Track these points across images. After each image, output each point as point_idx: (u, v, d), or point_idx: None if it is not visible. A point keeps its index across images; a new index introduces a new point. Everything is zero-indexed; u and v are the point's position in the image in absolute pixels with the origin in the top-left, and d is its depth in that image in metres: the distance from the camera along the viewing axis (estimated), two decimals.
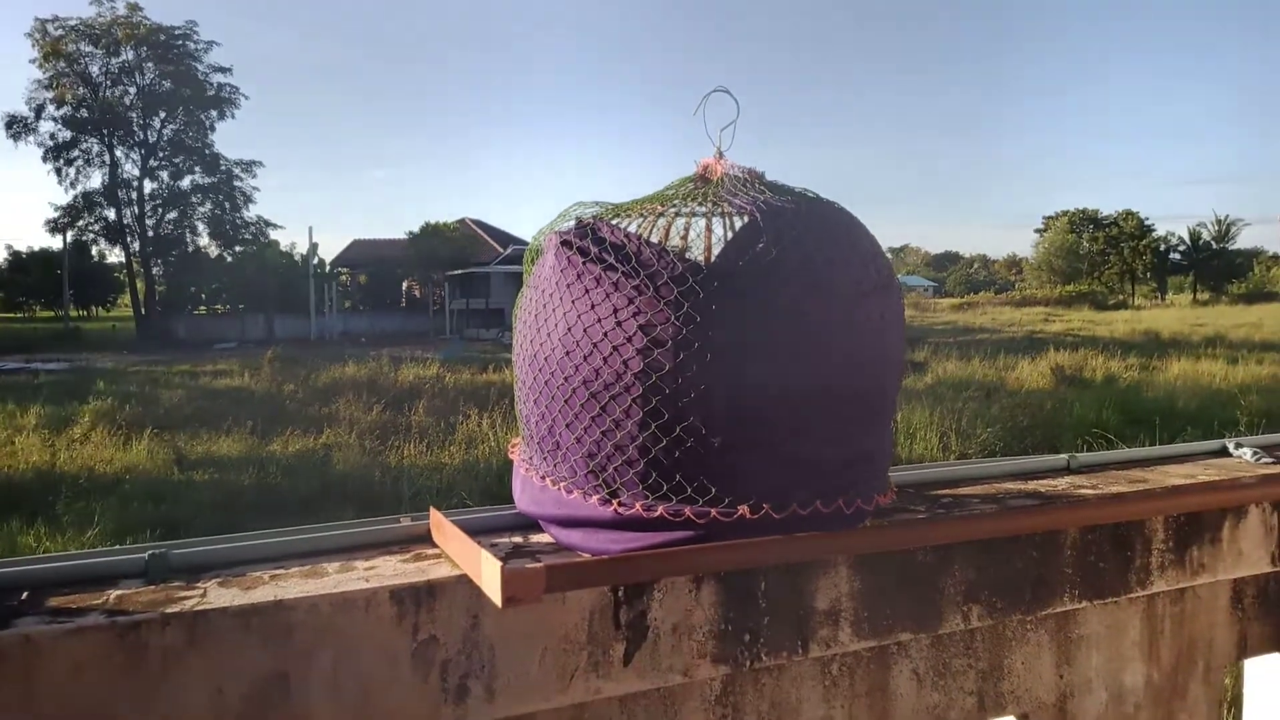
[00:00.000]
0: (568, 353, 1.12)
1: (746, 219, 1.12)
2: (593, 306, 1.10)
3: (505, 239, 42.18)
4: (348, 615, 1.04)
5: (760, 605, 1.25)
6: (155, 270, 38.22)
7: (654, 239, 1.18)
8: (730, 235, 1.17)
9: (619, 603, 1.17)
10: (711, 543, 1.01)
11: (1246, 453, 1.73)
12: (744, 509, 1.06)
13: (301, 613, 1.01)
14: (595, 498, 1.12)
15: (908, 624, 1.35)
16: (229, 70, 37.87)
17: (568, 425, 1.14)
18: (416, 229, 38.20)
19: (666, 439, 1.07)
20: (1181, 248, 70.82)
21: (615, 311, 1.09)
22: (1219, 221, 69.92)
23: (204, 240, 39.07)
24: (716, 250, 1.16)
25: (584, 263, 1.12)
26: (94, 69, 36.33)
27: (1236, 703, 1.86)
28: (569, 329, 1.12)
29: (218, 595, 1.03)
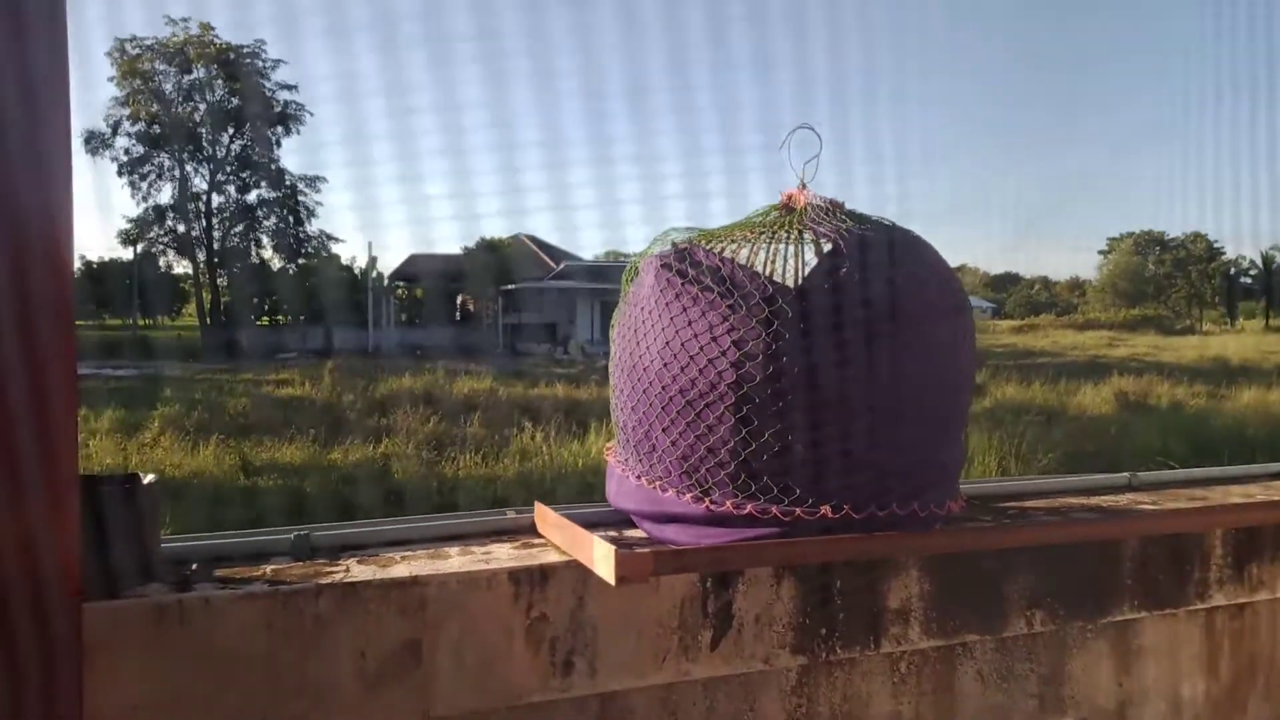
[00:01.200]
0: (665, 364, 1.24)
1: (831, 245, 1.23)
2: (690, 323, 1.23)
3: (559, 255, 42.71)
4: (473, 592, 1.17)
5: (836, 601, 1.35)
6: (220, 281, 39.49)
7: (744, 262, 1.30)
8: (815, 260, 1.29)
9: (707, 593, 1.29)
10: (797, 538, 1.12)
11: None
12: (826, 509, 1.16)
13: (434, 588, 1.15)
14: (689, 496, 1.24)
15: (974, 626, 1.43)
16: (295, 88, 39.10)
17: (664, 430, 1.26)
18: (473, 244, 38.96)
19: (756, 443, 1.18)
20: (1254, 271, 68.65)
21: (711, 328, 1.21)
22: None
23: (268, 253, 40.31)
24: (803, 274, 1.27)
25: (682, 284, 1.25)
26: (167, 87, 37.78)
27: None
28: (667, 343, 1.24)
29: (360, 571, 1.17)
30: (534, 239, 44.39)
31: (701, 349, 1.20)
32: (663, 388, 1.24)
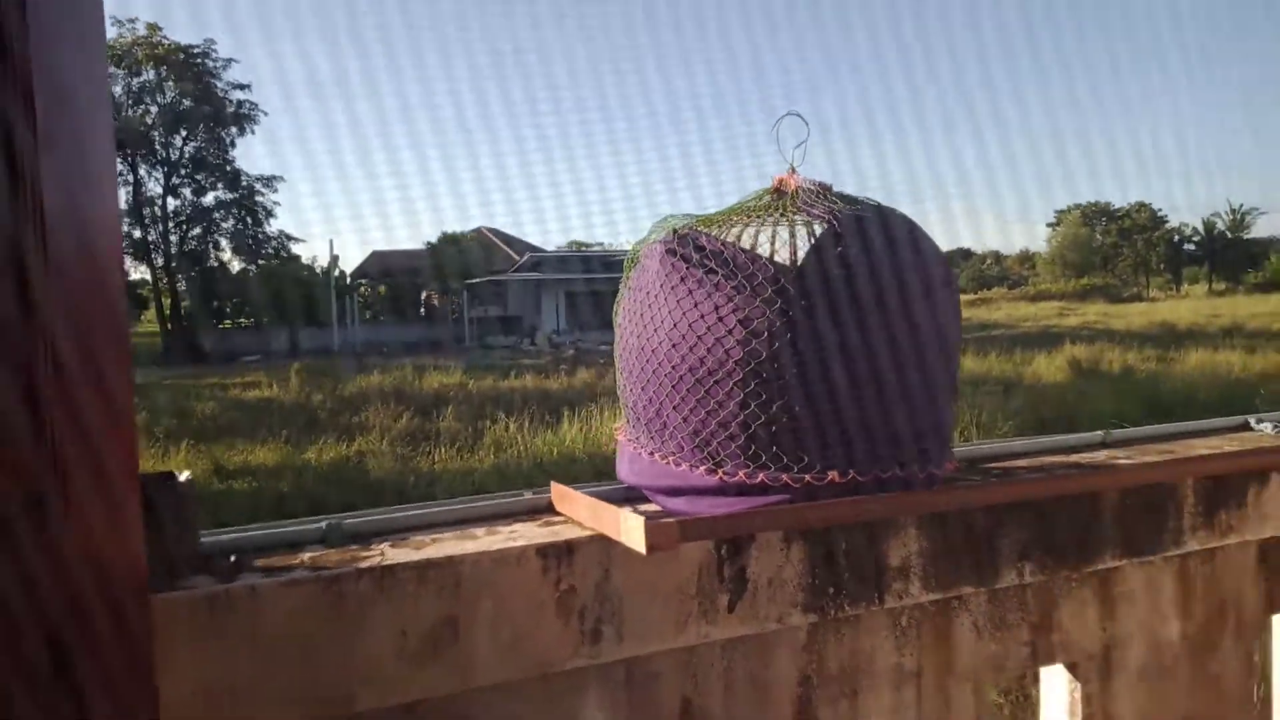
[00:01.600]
0: (674, 345, 1.31)
1: (826, 226, 1.30)
2: (696, 305, 1.29)
3: (523, 247, 42.58)
4: (504, 569, 1.23)
5: (841, 562, 1.43)
6: (180, 286, 38.81)
7: (744, 245, 1.36)
8: (811, 241, 1.36)
9: (722, 559, 1.36)
10: (811, 502, 1.20)
11: (1268, 426, 1.90)
12: (834, 474, 1.24)
13: (468, 566, 1.21)
14: (702, 469, 1.31)
15: (969, 578, 1.52)
16: (248, 87, 38.47)
17: (674, 407, 1.33)
18: (434, 239, 38.71)
19: (765, 416, 1.25)
20: (1196, 238, 70.38)
21: (717, 308, 1.27)
22: (1234, 211, 69.48)
23: (227, 255, 39.69)
24: (800, 254, 1.35)
25: (687, 268, 1.31)
26: (116, 89, 36.94)
27: (1265, 656, 2.01)
28: (675, 325, 1.31)
29: (394, 554, 1.22)
30: (495, 231, 44.19)
31: (709, 329, 1.27)
32: (672, 367, 1.31)
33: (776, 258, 1.39)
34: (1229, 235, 68.64)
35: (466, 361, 24.99)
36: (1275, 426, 1.89)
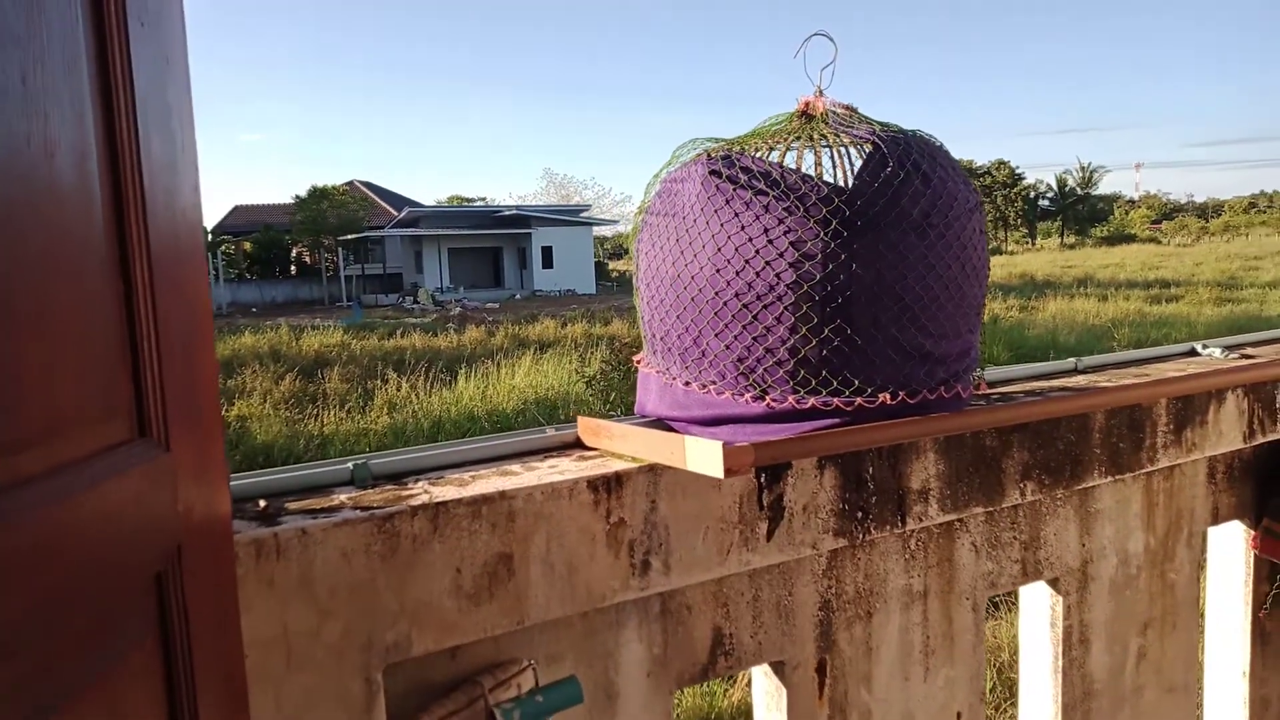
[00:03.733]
0: (718, 270, 1.27)
1: (870, 147, 1.29)
2: (743, 228, 1.25)
3: (399, 201, 41.06)
4: (556, 503, 1.17)
5: (869, 487, 1.45)
6: None
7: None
8: (843, 162, 1.34)
9: (762, 487, 1.35)
10: (879, 422, 1.19)
11: (1215, 351, 2.03)
12: (884, 396, 1.24)
13: (521, 501, 1.15)
14: (747, 396, 1.29)
15: (979, 499, 1.57)
16: None
17: (716, 334, 1.29)
18: (303, 193, 36.77)
19: (815, 340, 1.24)
20: (1050, 194, 75.04)
21: (766, 231, 1.24)
22: (1083, 168, 74.38)
23: None
24: (849, 175, 1.33)
25: (733, 189, 1.27)
26: None
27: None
28: (719, 249, 1.27)
29: (440, 492, 1.15)
30: (370, 185, 42.42)
31: (758, 252, 1.24)
32: (715, 293, 1.27)
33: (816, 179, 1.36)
34: (1079, 191, 73.50)
35: (346, 321, 24.07)
36: (1222, 351, 2.02)
